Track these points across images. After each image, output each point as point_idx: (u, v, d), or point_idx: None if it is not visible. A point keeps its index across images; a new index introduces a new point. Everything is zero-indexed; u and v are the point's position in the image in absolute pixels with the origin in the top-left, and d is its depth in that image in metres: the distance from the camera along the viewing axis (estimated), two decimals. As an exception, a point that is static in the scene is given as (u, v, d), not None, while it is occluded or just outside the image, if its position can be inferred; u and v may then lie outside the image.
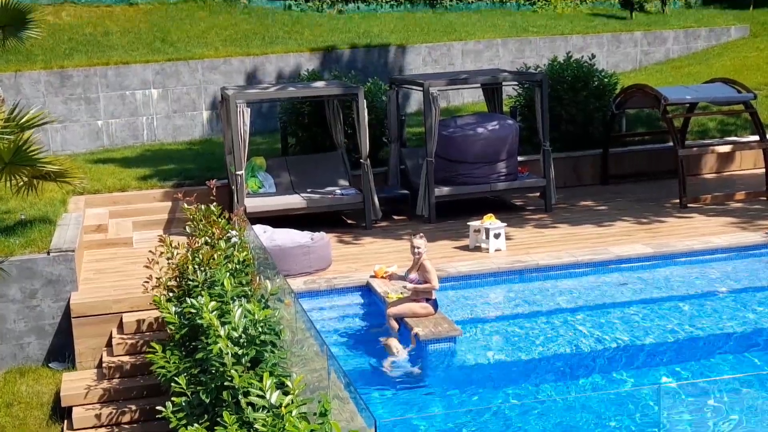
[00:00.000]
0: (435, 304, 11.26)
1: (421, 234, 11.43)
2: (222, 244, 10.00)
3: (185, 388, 7.93)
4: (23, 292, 11.90)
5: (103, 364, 11.10)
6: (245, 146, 14.68)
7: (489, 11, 27.75)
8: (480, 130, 15.86)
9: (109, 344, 11.48)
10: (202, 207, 10.79)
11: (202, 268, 9.56)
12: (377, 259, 13.30)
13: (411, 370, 10.59)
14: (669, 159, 17.74)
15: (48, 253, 12.05)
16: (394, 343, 10.74)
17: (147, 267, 10.18)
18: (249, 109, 14.69)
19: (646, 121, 19.78)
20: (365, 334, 11.70)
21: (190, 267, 9.81)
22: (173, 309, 9.19)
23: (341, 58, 22.51)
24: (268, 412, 6.40)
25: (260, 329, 7.59)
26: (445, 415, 9.30)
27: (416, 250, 11.23)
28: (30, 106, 14.00)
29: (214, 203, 10.90)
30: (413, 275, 11.28)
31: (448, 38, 24.02)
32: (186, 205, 10.90)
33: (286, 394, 6.49)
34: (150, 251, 10.32)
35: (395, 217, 16.08)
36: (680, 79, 22.27)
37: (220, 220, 10.57)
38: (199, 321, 8.11)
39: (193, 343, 8.88)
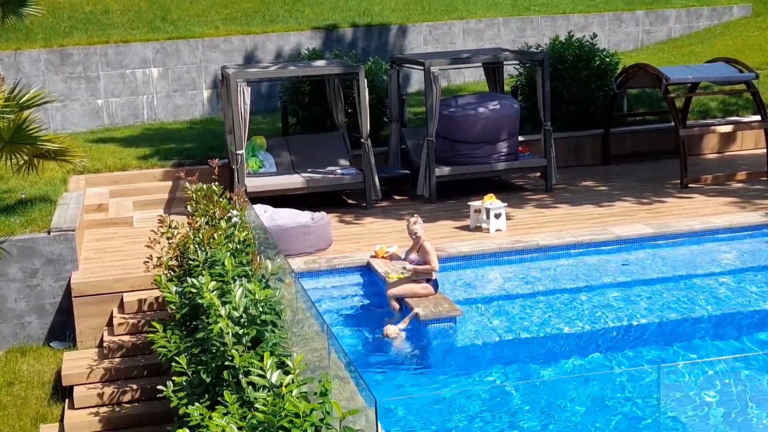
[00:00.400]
0: (435, 284, 11.27)
1: (416, 219, 11.40)
2: (223, 223, 9.99)
3: (186, 367, 7.94)
4: (24, 272, 11.91)
5: (104, 344, 11.12)
6: (246, 125, 14.66)
7: (490, -10, 27.57)
8: (481, 109, 15.82)
9: (110, 323, 11.50)
10: (204, 186, 10.77)
11: (203, 248, 9.56)
12: (378, 239, 13.30)
13: (412, 350, 10.61)
14: (670, 139, 17.71)
15: (48, 232, 12.05)
16: (391, 329, 10.71)
17: (148, 246, 10.17)
18: (249, 88, 14.66)
19: (647, 101, 19.72)
20: (366, 314, 11.72)
21: (191, 246, 9.80)
22: (174, 288, 9.19)
23: (342, 37, 22.42)
24: (269, 391, 6.41)
25: (261, 309, 7.59)
26: (446, 394, 9.32)
27: (414, 235, 11.26)
28: (30, 85, 13.97)
29: (216, 182, 10.89)
30: (413, 256, 11.28)
31: (449, 17, 23.91)
32: (188, 184, 10.88)
33: (286, 373, 6.49)
34: (152, 231, 10.32)
35: (396, 197, 16.07)
36: (682, 59, 22.18)
37: (221, 199, 10.56)
38: (199, 300, 8.11)
39: (194, 323, 8.89)
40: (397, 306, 11.18)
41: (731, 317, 11.35)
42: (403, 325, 10.77)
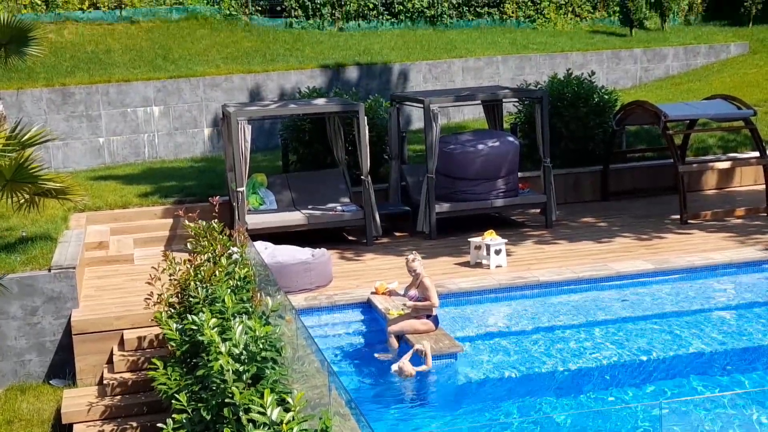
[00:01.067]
0: (436, 321, 11.26)
1: (414, 256, 11.41)
2: (223, 260, 10.01)
3: (186, 405, 7.92)
4: (24, 309, 11.90)
5: (104, 381, 11.09)
6: (246, 163, 14.73)
7: (489, 28, 27.85)
8: (480, 146, 15.90)
9: (110, 361, 11.48)
10: (204, 223, 10.81)
11: (204, 285, 9.58)
12: (378, 275, 13.31)
13: (413, 387, 10.57)
14: (669, 175, 17.77)
15: (49, 270, 12.06)
16: (408, 367, 10.63)
17: (149, 283, 10.19)
18: (250, 126, 14.74)
19: (646, 138, 19.83)
20: (366, 351, 11.69)
21: (192, 283, 9.82)
22: (174, 326, 9.19)
23: (342, 75, 22.59)
24: (269, 429, 6.40)
25: (261, 346, 7.60)
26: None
27: (413, 272, 11.28)
28: (32, 124, 14.06)
29: (216, 220, 10.93)
30: (413, 292, 11.29)
31: (449, 55, 24.12)
32: (188, 222, 10.92)
33: (287, 410, 6.49)
34: (153, 267, 10.34)
35: (396, 234, 16.10)
36: (680, 96, 22.33)
37: (222, 236, 10.60)
38: (200, 338, 8.11)
39: (194, 360, 8.88)
40: (395, 343, 11.16)
41: (732, 353, 11.32)
42: (425, 367, 10.68)
